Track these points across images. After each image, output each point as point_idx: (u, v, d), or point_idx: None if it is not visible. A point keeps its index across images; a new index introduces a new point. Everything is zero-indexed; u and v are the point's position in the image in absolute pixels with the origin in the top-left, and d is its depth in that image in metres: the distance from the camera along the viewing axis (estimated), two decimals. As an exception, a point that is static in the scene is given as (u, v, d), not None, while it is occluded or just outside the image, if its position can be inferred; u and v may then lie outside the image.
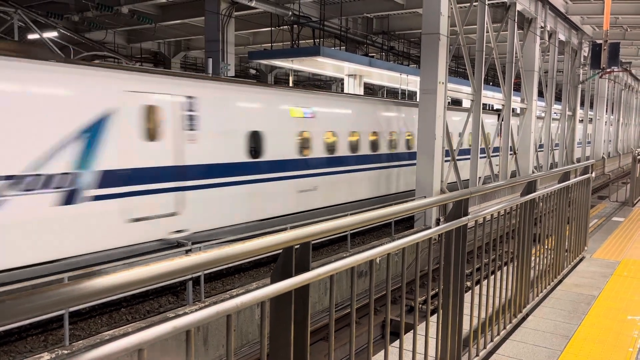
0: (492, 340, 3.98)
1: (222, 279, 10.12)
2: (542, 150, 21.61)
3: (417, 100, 13.97)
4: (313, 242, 2.17)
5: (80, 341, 6.56)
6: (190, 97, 9.28)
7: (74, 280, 1.37)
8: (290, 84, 24.43)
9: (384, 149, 14.85)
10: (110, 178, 8.07)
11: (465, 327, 3.55)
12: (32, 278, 6.79)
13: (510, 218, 4.28)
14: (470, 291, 3.64)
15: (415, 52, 24.89)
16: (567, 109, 23.64)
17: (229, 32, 17.22)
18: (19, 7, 11.41)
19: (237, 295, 1.78)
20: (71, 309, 6.93)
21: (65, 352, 6.13)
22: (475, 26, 15.22)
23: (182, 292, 9.13)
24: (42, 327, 7.63)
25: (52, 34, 14.39)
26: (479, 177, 15.13)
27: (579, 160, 25.72)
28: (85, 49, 13.53)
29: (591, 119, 29.52)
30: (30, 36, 14.76)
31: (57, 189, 7.44)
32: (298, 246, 2.11)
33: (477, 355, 3.70)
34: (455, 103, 23.55)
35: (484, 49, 15.01)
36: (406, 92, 21.62)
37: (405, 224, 14.04)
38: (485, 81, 15.69)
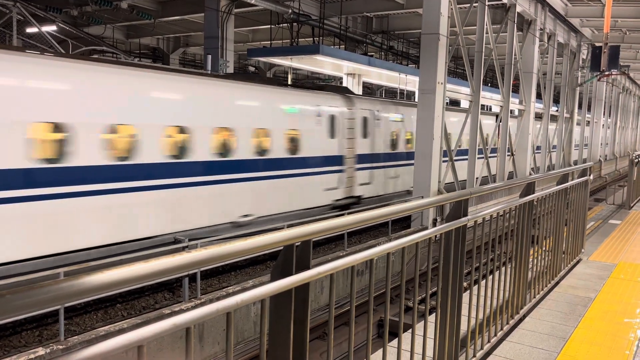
0: (489, 341, 3.98)
1: (219, 276, 10.10)
2: (540, 152, 21.65)
3: (417, 100, 13.95)
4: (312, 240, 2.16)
5: (76, 336, 6.54)
6: None
7: (71, 276, 1.35)
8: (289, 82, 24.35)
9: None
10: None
11: (463, 327, 3.55)
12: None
13: (509, 219, 4.28)
14: (468, 291, 3.63)
15: (414, 52, 24.89)
16: (565, 111, 23.68)
17: (229, 29, 17.18)
18: (18, 1, 11.35)
19: (237, 292, 1.76)
20: (67, 305, 6.92)
21: (60, 347, 6.10)
22: (475, 27, 15.24)
23: (178, 288, 9.12)
24: (37, 322, 7.60)
25: (51, 28, 14.34)
26: (477, 178, 15.15)
27: (575, 163, 25.76)
28: (83, 44, 13.49)
29: (589, 121, 29.58)
30: (29, 30, 14.69)
31: None
32: (299, 244, 2.10)
33: (474, 356, 3.70)
34: (453, 104, 23.56)
35: (483, 50, 15.02)
36: (405, 92, 21.62)
37: (402, 223, 14.05)
38: (484, 82, 15.70)
